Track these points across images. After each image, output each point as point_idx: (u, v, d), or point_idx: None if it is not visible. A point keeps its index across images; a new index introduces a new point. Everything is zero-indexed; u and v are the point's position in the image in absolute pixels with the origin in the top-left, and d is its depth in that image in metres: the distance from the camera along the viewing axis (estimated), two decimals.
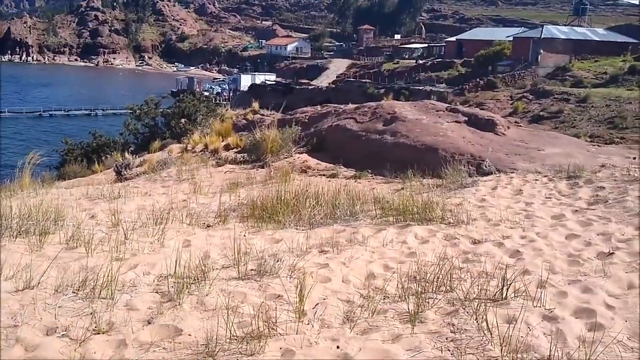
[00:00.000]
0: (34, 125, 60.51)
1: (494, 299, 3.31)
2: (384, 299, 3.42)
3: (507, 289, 3.35)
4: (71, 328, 2.83)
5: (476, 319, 3.04)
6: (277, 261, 4.04)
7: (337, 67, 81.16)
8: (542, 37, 53.25)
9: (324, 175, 9.84)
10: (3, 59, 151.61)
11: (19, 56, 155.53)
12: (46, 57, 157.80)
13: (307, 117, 14.02)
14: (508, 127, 11.30)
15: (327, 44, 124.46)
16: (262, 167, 10.46)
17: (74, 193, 8.09)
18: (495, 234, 4.83)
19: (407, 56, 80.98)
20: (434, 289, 3.51)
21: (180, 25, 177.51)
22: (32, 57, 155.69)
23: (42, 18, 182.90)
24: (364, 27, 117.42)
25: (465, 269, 3.91)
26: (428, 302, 3.29)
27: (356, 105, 13.82)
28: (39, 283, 3.33)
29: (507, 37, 59.93)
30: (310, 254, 4.35)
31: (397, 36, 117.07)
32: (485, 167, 8.50)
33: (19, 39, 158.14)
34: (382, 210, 5.93)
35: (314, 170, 10.25)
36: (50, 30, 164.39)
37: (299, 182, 7.92)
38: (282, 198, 6.28)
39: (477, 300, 3.23)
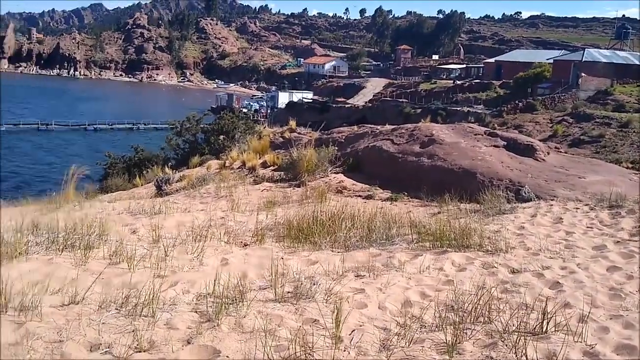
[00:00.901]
0: (80, 138, 62.46)
1: (534, 333, 3.24)
2: (421, 327, 3.39)
3: (548, 323, 3.28)
4: (114, 345, 2.89)
5: (515, 352, 2.98)
6: (314, 284, 4.04)
7: (374, 86, 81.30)
8: (583, 60, 52.42)
9: (359, 196, 9.82)
10: (51, 73, 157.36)
11: (67, 71, 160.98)
12: (92, 72, 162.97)
13: (344, 137, 14.06)
14: (548, 153, 11.10)
15: (364, 63, 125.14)
16: (299, 186, 10.51)
17: (117, 207, 8.28)
18: (534, 264, 4.74)
19: (444, 77, 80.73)
20: (472, 319, 3.45)
21: (222, 43, 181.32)
22: (80, 72, 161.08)
23: (90, 34, 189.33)
24: (402, 46, 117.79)
25: (504, 300, 3.84)
26: (466, 333, 3.24)
27: (393, 126, 13.80)
28: (83, 298, 3.42)
29: (548, 59, 59.21)
30: (346, 278, 4.34)
31: (435, 56, 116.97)
32: (525, 193, 8.35)
33: (67, 54, 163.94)
34: (419, 234, 5.88)
35: (349, 190, 10.25)
36: (97, 46, 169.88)
37: (335, 203, 7.92)
38: (318, 219, 6.30)
39: (517, 333, 3.17)
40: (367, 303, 3.76)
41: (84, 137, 63.18)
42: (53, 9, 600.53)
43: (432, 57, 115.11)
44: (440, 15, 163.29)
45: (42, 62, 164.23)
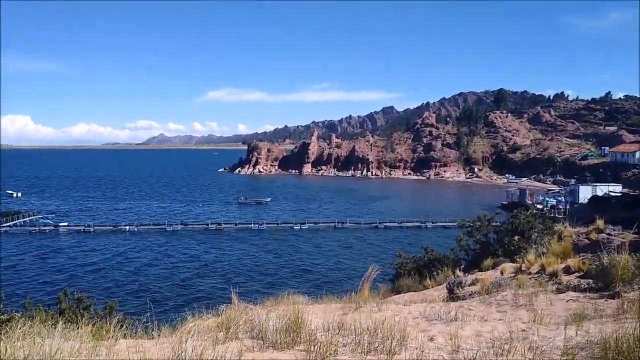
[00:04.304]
0: (372, 235, 67.32)
1: None
2: None
3: None
4: None
5: None
6: None
7: None
8: None
9: None
10: (346, 174, 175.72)
11: (360, 172, 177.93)
12: (383, 172, 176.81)
13: None
14: None
15: None
16: (612, 298, 9.50)
17: (412, 311, 8.61)
18: None
19: None
20: None
21: (513, 135, 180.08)
22: (371, 172, 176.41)
23: (382, 136, 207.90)
24: None
25: None
26: None
27: None
28: None
29: None
30: None
31: None
32: None
33: (361, 156, 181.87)
34: None
35: None
36: (388, 147, 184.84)
37: None
38: None
39: None
40: None
41: (376, 235, 67.86)
42: (350, 115, 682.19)
43: None
44: None
45: (340, 164, 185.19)
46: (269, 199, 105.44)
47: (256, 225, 73.03)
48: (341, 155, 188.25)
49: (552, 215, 56.10)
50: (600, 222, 17.29)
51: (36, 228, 69.99)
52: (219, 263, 51.98)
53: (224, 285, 40.78)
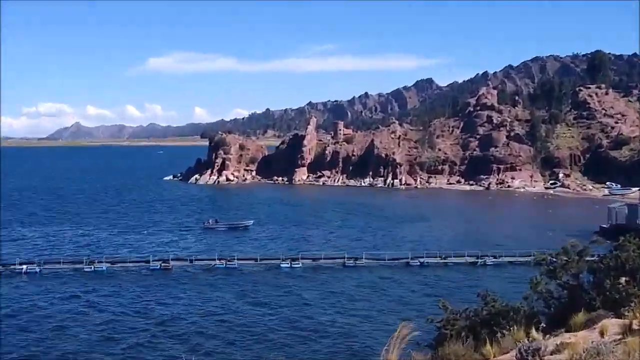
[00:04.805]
0: (401, 276, 67.08)
1: None
2: None
3: None
4: None
5: None
6: None
7: None
8: None
9: None
10: (362, 184, 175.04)
11: (382, 179, 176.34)
12: (418, 180, 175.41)
13: None
14: None
15: None
16: None
17: None
18: None
19: None
20: None
21: (616, 122, 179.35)
22: (400, 180, 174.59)
23: (415, 124, 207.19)
24: None
25: None
26: None
27: None
28: None
29: None
30: None
31: None
32: None
33: (384, 155, 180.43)
34: None
35: None
36: (425, 140, 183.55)
37: None
38: None
39: None
40: None
41: (407, 275, 67.59)
42: (366, 93, 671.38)
43: None
44: None
45: (351, 168, 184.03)
46: (251, 222, 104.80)
47: (222, 262, 72.61)
48: (353, 154, 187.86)
49: None
50: None
51: None
52: (181, 321, 51.48)
53: (188, 355, 40.58)
